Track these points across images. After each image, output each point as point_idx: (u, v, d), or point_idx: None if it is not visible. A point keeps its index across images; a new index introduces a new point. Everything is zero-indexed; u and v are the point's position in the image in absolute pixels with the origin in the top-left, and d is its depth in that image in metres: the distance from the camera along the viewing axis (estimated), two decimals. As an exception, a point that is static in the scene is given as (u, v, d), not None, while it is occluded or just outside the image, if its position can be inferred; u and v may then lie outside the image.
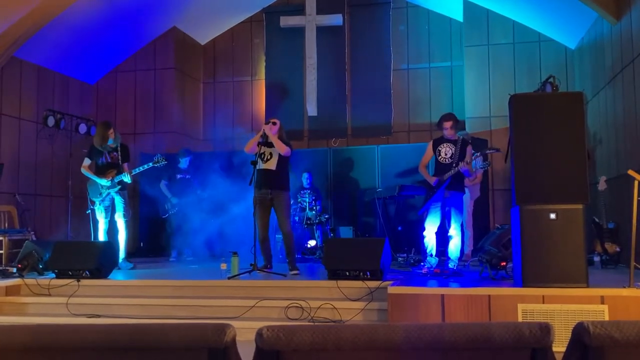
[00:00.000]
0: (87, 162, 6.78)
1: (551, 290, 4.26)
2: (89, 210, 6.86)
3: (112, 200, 6.71)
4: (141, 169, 6.88)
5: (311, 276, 5.94)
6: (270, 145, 6.11)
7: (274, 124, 6.13)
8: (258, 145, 6.04)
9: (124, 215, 6.70)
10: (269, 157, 6.12)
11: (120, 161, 6.76)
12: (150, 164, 6.90)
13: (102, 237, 6.66)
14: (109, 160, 6.73)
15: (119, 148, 6.80)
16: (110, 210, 6.71)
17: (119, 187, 6.68)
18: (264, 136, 6.07)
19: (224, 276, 5.70)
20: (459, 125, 6.30)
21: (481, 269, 5.27)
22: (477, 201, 7.79)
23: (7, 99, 8.40)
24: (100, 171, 6.70)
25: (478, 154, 5.82)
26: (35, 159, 8.90)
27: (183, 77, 10.50)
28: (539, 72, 8.85)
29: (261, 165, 6.08)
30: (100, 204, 6.67)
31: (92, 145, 6.84)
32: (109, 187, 6.64)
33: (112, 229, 6.76)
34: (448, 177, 5.78)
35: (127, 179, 6.66)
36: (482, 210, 8.40)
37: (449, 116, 6.08)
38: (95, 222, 6.78)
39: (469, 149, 5.93)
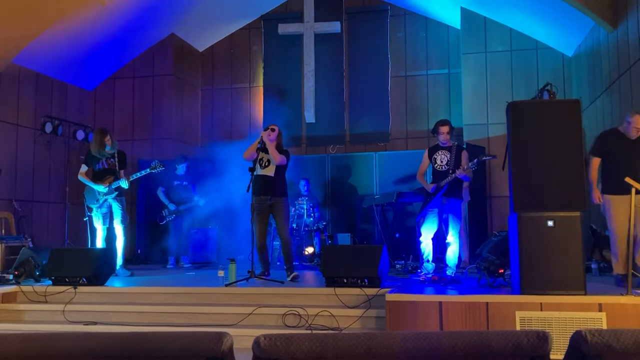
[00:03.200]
0: (84, 168, 6.75)
1: (549, 298, 4.25)
2: (87, 217, 6.84)
3: (110, 207, 6.69)
4: (139, 174, 6.88)
5: (309, 283, 5.93)
6: (268, 151, 6.12)
7: (273, 130, 6.13)
8: (257, 150, 6.04)
9: (122, 222, 6.68)
10: (267, 164, 6.11)
11: (117, 167, 6.74)
12: (148, 170, 6.89)
13: (99, 244, 6.62)
14: (106, 166, 6.72)
15: (116, 155, 6.79)
16: (109, 217, 6.69)
17: (116, 193, 6.66)
18: (262, 142, 6.07)
19: (221, 283, 5.69)
20: (454, 131, 6.31)
21: (479, 276, 5.26)
22: (475, 208, 7.79)
23: (5, 105, 8.40)
24: (98, 177, 6.69)
25: (475, 161, 5.83)
26: (33, 165, 8.89)
27: (181, 84, 10.51)
28: (537, 80, 8.88)
29: (259, 171, 6.07)
30: (97, 211, 6.65)
31: (89, 151, 6.84)
32: (105, 194, 6.62)
33: (109, 236, 6.74)
34: (445, 183, 5.79)
35: (124, 184, 6.64)
36: (479, 218, 8.41)
37: (445, 121, 6.11)
38: (93, 230, 6.76)
39: (465, 155, 5.94)
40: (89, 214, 6.75)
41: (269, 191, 6.04)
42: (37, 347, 1.65)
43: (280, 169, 6.13)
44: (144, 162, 8.90)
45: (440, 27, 10.18)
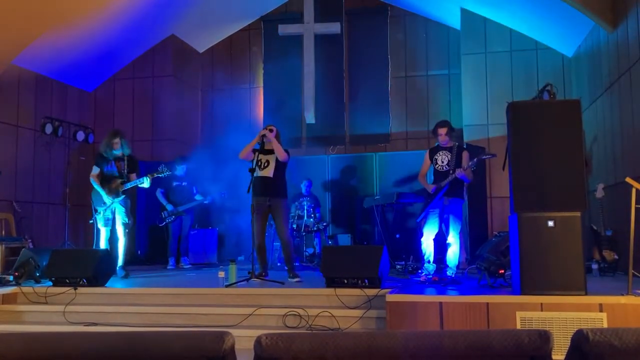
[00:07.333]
0: (95, 170, 6.71)
1: (550, 298, 4.25)
2: (92, 220, 6.81)
3: (114, 212, 6.66)
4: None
5: (309, 284, 5.93)
6: (267, 152, 6.12)
7: (271, 130, 6.13)
8: (254, 151, 6.04)
9: (123, 224, 6.63)
10: (266, 165, 6.11)
11: (125, 171, 6.69)
12: (154, 174, 6.90)
13: (102, 245, 6.59)
14: (114, 168, 6.68)
15: (126, 159, 6.74)
16: (111, 221, 6.65)
17: (123, 197, 6.64)
18: (261, 143, 6.08)
19: (221, 284, 5.69)
20: (454, 132, 6.31)
21: (479, 277, 5.26)
22: (475, 208, 7.77)
23: (5, 107, 8.40)
24: (106, 179, 6.66)
25: (474, 160, 5.83)
26: (33, 166, 8.89)
27: (181, 85, 10.51)
28: (536, 80, 8.87)
29: (258, 172, 6.08)
30: (102, 214, 6.61)
31: (99, 152, 6.80)
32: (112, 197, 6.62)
33: (113, 237, 6.71)
34: (446, 183, 5.78)
35: (147, 183, 6.65)
36: (480, 218, 8.40)
37: (444, 123, 6.11)
38: (98, 231, 6.73)
39: (465, 155, 5.94)
40: (95, 215, 6.72)
41: (268, 192, 6.05)
42: (39, 347, 1.65)
43: (280, 170, 6.13)
44: (142, 163, 8.88)
45: (440, 28, 10.18)
